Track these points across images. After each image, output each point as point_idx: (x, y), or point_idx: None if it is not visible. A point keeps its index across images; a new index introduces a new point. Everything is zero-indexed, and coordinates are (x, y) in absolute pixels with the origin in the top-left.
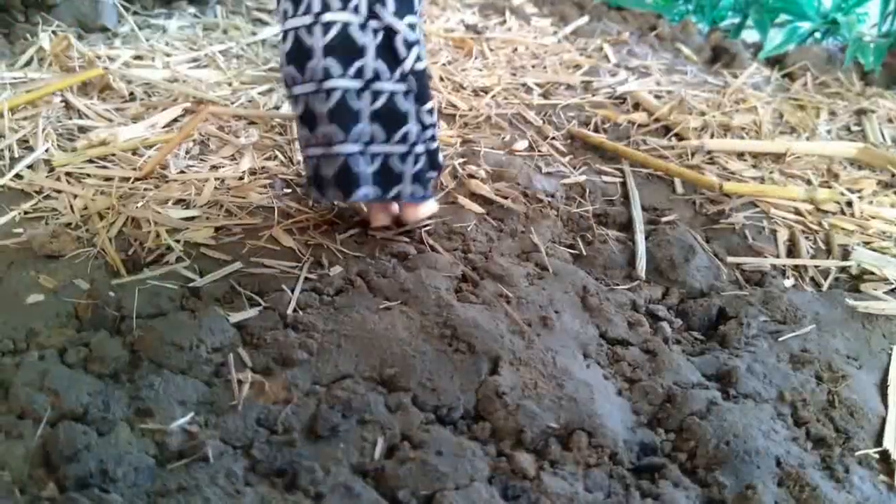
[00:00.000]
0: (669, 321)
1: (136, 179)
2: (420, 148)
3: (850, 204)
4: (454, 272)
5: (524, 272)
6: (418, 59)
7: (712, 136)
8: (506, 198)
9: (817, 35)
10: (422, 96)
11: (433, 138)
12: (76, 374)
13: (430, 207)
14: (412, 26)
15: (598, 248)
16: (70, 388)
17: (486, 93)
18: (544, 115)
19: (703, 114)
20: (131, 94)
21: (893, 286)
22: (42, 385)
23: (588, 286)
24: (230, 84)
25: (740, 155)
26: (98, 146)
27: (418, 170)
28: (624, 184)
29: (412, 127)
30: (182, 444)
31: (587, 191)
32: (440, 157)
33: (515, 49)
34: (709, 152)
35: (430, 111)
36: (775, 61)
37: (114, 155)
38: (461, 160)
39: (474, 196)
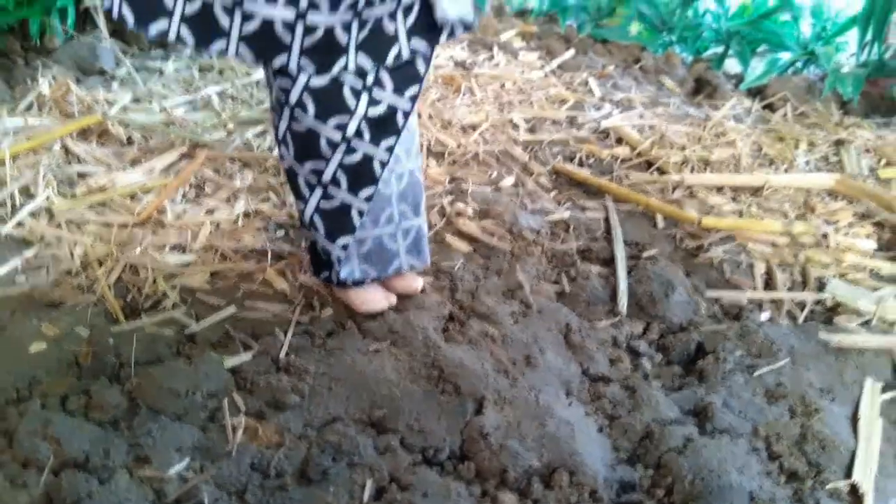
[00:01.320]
0: (650, 356)
1: (134, 225)
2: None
3: (825, 236)
4: (442, 312)
5: (509, 310)
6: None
7: (692, 170)
8: (492, 235)
9: (798, 65)
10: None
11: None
12: (77, 421)
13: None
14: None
15: (581, 284)
16: (72, 437)
17: (475, 129)
18: (530, 150)
19: (683, 148)
20: (129, 138)
21: (866, 318)
22: (45, 433)
23: (571, 323)
24: (225, 125)
25: (719, 189)
26: (97, 192)
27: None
28: (607, 219)
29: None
30: (179, 491)
31: (571, 226)
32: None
33: (503, 85)
34: (689, 187)
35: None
36: (757, 91)
37: (112, 200)
38: (450, 198)
39: (462, 234)
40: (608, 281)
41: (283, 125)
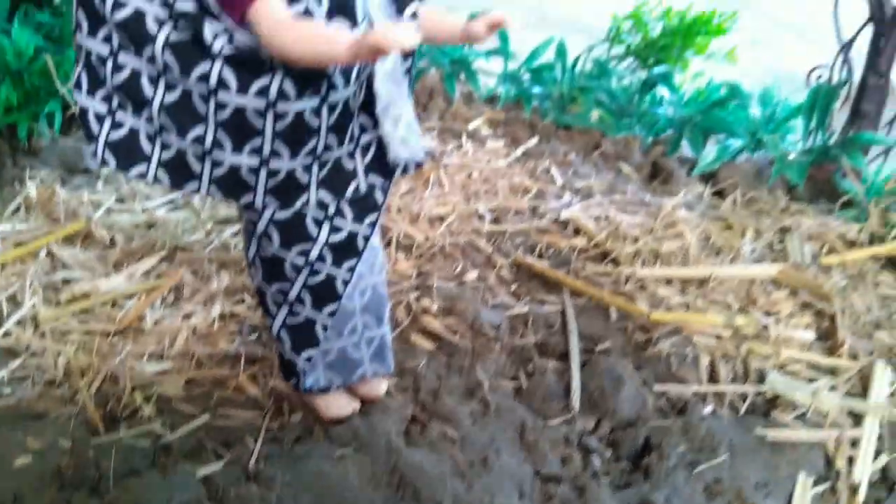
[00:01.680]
0: (600, 453)
1: (115, 333)
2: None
3: (766, 328)
4: (405, 414)
5: (469, 410)
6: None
7: (644, 262)
8: (455, 333)
9: (748, 151)
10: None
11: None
12: None
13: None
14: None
15: (537, 380)
16: None
17: (442, 220)
18: (494, 242)
19: (636, 239)
20: (112, 239)
21: (802, 411)
22: None
23: (526, 422)
24: (205, 225)
25: (668, 281)
26: (81, 299)
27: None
28: (564, 312)
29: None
30: None
31: (530, 320)
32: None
33: (470, 174)
34: (640, 279)
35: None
36: (709, 176)
37: (95, 308)
38: (416, 294)
39: (426, 332)
40: (563, 376)
41: (251, 251)
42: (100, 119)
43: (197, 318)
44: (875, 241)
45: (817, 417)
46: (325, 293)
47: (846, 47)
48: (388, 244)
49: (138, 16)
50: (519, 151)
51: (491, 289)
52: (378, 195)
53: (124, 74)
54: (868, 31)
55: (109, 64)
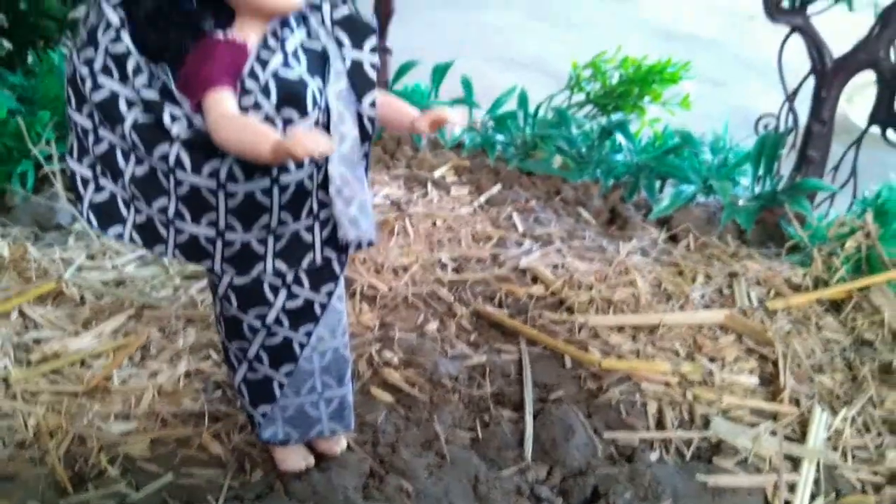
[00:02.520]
0: (550, 501)
1: (83, 394)
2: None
3: (711, 374)
4: (363, 469)
5: (425, 463)
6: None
7: (597, 309)
8: (413, 386)
9: (701, 196)
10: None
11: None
12: None
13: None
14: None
15: (492, 430)
16: None
17: (406, 270)
18: (455, 290)
19: (591, 287)
20: (82, 297)
21: (744, 456)
22: None
23: (479, 474)
24: (173, 281)
25: (620, 328)
26: (51, 359)
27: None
28: (520, 360)
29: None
30: None
31: (487, 370)
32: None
33: (434, 223)
34: (592, 327)
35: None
36: (664, 221)
37: (64, 368)
38: (378, 345)
39: (386, 385)
40: (518, 426)
41: (216, 309)
42: (85, 183)
43: (163, 376)
44: (819, 286)
45: (759, 462)
46: (283, 354)
47: (791, 97)
48: (352, 295)
49: (112, 98)
50: (482, 198)
51: (451, 339)
52: (335, 266)
53: (103, 147)
54: (811, 82)
55: (91, 137)
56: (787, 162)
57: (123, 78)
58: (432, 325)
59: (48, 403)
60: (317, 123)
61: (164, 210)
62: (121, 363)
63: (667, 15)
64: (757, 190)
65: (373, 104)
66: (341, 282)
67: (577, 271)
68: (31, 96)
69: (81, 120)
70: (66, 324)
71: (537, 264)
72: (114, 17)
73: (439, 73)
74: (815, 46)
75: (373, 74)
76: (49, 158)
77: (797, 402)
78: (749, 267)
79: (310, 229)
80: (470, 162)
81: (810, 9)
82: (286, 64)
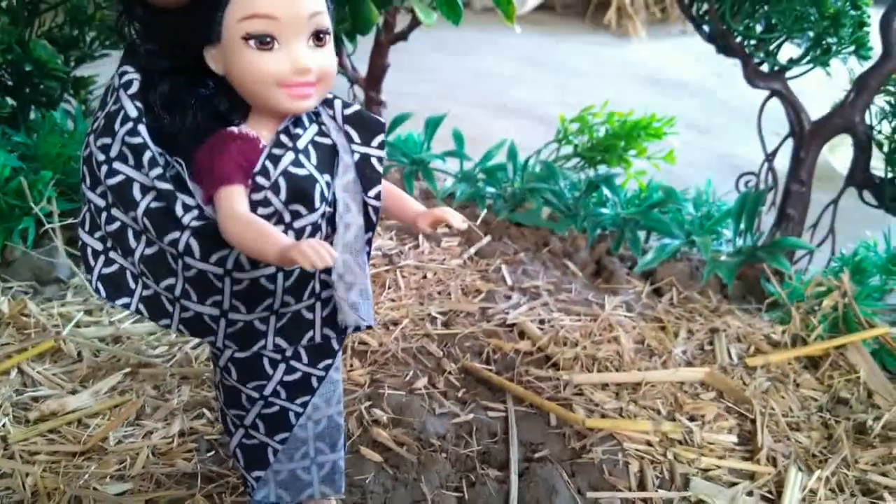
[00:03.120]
0: None
1: (80, 454)
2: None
3: (690, 433)
4: None
5: None
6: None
7: (582, 366)
8: (402, 445)
9: (684, 249)
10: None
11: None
12: None
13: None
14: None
15: (478, 490)
16: None
17: (396, 325)
18: (444, 345)
19: (576, 344)
20: (79, 353)
21: None
22: None
23: None
24: (168, 337)
25: (605, 386)
26: (49, 417)
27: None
28: (507, 419)
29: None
30: None
31: (474, 428)
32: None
33: (425, 275)
34: (577, 385)
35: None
36: (649, 273)
37: (61, 428)
38: (367, 403)
39: (375, 444)
40: (503, 485)
41: (216, 377)
42: (96, 255)
43: (157, 435)
44: (797, 343)
45: None
46: (278, 423)
47: (770, 157)
48: (343, 351)
49: (127, 184)
50: (472, 250)
51: (439, 396)
52: (334, 343)
53: (115, 226)
54: (790, 143)
55: (104, 215)
56: (768, 217)
57: (138, 166)
58: (421, 382)
59: (46, 464)
60: (323, 216)
61: (170, 289)
62: (119, 424)
63: (655, 61)
64: (739, 242)
65: (378, 196)
66: (339, 355)
67: (563, 327)
68: (34, 154)
69: (95, 199)
70: (63, 381)
71: (524, 319)
72: (132, 109)
73: (432, 125)
74: (794, 110)
75: (379, 168)
76: (50, 215)
77: (774, 462)
78: (730, 323)
79: (311, 308)
80: (461, 213)
81: (789, 73)
82: (297, 162)
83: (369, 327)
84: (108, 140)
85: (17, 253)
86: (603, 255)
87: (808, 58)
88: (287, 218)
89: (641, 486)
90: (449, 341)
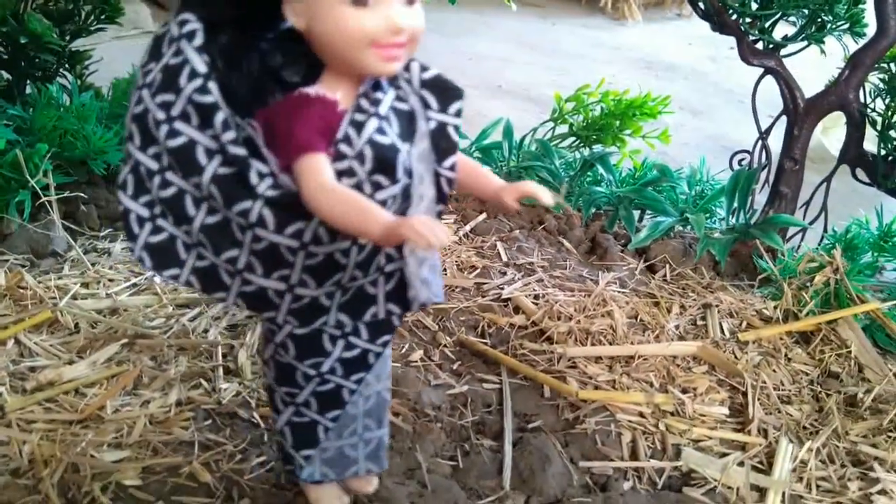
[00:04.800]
0: None
1: (77, 422)
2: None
3: (682, 404)
4: (344, 501)
5: (407, 492)
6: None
7: (576, 340)
8: (398, 415)
9: (678, 227)
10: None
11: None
12: None
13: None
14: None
15: (473, 459)
16: None
17: None
18: (440, 319)
19: (570, 318)
20: (76, 324)
21: (713, 486)
22: None
23: (459, 502)
24: (166, 309)
25: (598, 359)
26: (46, 387)
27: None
28: (501, 390)
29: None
30: None
31: (469, 399)
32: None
33: None
34: (571, 358)
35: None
36: (642, 251)
37: (59, 396)
38: None
39: None
40: (497, 455)
41: (267, 353)
42: (141, 222)
43: (154, 405)
44: (789, 318)
45: (727, 492)
46: (331, 401)
47: (764, 135)
48: None
49: (190, 146)
50: (468, 227)
51: (434, 368)
52: (394, 320)
53: (170, 192)
54: (784, 119)
55: (157, 179)
56: (761, 195)
57: (204, 127)
58: (417, 354)
59: (43, 432)
60: (404, 187)
61: (232, 261)
62: (116, 393)
63: (650, 45)
64: (732, 221)
65: (452, 167)
66: (396, 332)
67: (557, 302)
68: (30, 128)
69: (146, 160)
70: (60, 352)
71: (519, 294)
72: (200, 64)
73: None
74: (788, 87)
75: (455, 137)
76: (46, 189)
77: (765, 433)
78: (722, 299)
79: (374, 283)
80: (456, 192)
81: (783, 50)
82: (380, 129)
83: (438, 304)
84: (170, 97)
85: (14, 226)
86: (597, 233)
87: (802, 35)
88: (368, 189)
89: (633, 455)
90: (444, 315)
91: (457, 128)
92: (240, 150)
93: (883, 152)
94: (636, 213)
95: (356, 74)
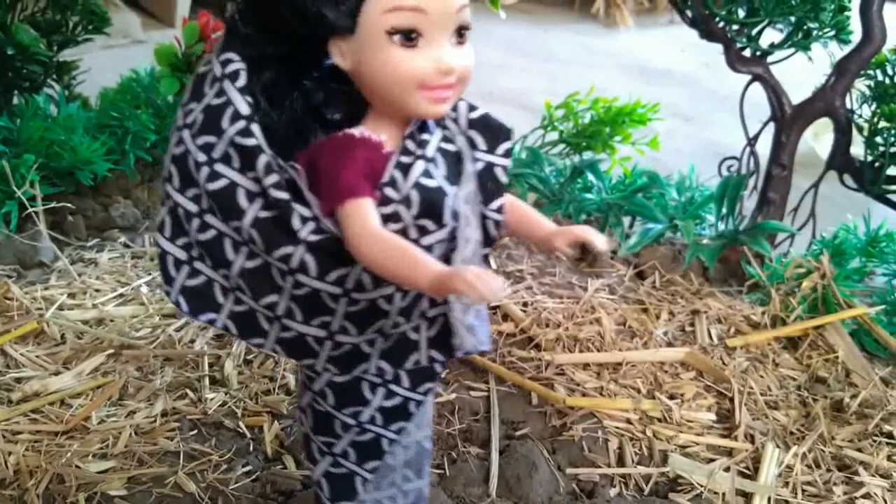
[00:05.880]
0: None
1: (62, 433)
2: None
3: (670, 410)
4: None
5: None
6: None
7: (564, 347)
8: None
9: (668, 233)
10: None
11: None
12: None
13: None
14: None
15: (460, 467)
16: None
17: None
18: None
19: (559, 325)
20: (63, 335)
21: (698, 491)
22: None
23: None
24: (152, 319)
25: (586, 366)
26: (32, 398)
27: None
28: (489, 398)
29: None
30: None
31: (457, 407)
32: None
33: None
34: (559, 365)
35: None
36: (632, 258)
37: (44, 407)
38: None
39: None
40: (484, 462)
41: (304, 400)
42: (178, 265)
43: (140, 415)
44: (777, 324)
45: (713, 497)
46: (370, 451)
47: (752, 142)
48: None
49: (231, 189)
50: None
51: None
52: (437, 367)
53: (209, 235)
54: (772, 126)
55: (196, 222)
56: (749, 201)
57: (245, 170)
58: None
59: (28, 443)
60: (451, 231)
61: (272, 307)
62: (101, 404)
63: (642, 51)
64: (721, 227)
65: (500, 209)
66: (438, 381)
67: (546, 309)
68: (16, 138)
69: (184, 202)
70: (46, 363)
71: (508, 301)
72: (244, 106)
73: None
74: (775, 94)
75: (504, 179)
76: (33, 199)
77: (752, 439)
78: (711, 305)
79: (416, 328)
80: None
81: (771, 57)
82: (427, 172)
83: (484, 352)
84: (212, 139)
85: (0, 237)
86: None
87: (789, 42)
88: (414, 234)
89: (620, 462)
90: None
91: (505, 168)
92: (283, 194)
93: (870, 158)
94: (626, 220)
95: (402, 115)
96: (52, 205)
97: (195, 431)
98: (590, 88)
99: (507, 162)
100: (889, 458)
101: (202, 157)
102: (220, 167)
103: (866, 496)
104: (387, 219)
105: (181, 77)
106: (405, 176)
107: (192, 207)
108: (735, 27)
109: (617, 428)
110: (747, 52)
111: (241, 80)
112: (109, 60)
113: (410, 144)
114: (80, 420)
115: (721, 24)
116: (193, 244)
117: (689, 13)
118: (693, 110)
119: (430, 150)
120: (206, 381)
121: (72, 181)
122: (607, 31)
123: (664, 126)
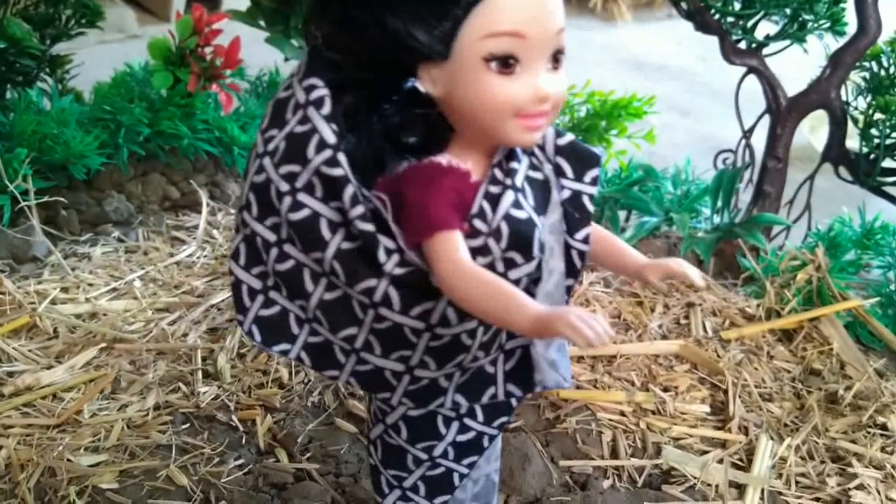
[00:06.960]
0: None
1: (54, 427)
2: None
3: (663, 403)
4: (325, 499)
5: None
6: None
7: None
8: None
9: (664, 227)
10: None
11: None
12: None
13: None
14: None
15: None
16: None
17: None
18: None
19: None
20: (55, 329)
21: (693, 483)
22: None
23: None
24: (145, 313)
25: (580, 358)
26: (24, 392)
27: None
28: None
29: None
30: None
31: None
32: None
33: None
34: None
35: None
36: None
37: (36, 401)
38: None
39: (351, 415)
40: None
41: (375, 433)
42: (252, 295)
43: (132, 409)
44: (772, 316)
45: (706, 489)
46: (441, 486)
47: (747, 135)
48: None
49: (313, 219)
50: None
51: None
52: (513, 401)
53: (287, 265)
54: (767, 119)
55: (274, 251)
56: (745, 194)
57: (328, 200)
58: None
59: (20, 436)
60: (538, 264)
61: (350, 339)
62: (93, 397)
63: (640, 45)
64: (716, 220)
65: (586, 240)
66: (513, 415)
67: None
68: (9, 132)
69: (263, 231)
70: (39, 357)
71: None
72: (330, 135)
73: None
74: (770, 86)
75: (590, 207)
76: (25, 193)
77: (745, 431)
78: (706, 298)
79: (493, 362)
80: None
81: (766, 49)
82: (517, 202)
83: (566, 388)
84: (296, 168)
85: None
86: None
87: (784, 34)
88: (501, 268)
89: (614, 454)
90: None
91: (592, 197)
92: (369, 227)
93: (865, 150)
94: (622, 214)
95: (490, 143)
96: (45, 199)
97: (188, 425)
98: (586, 82)
99: (595, 190)
100: (882, 449)
101: (285, 187)
102: (302, 196)
103: (860, 487)
104: (476, 252)
105: (175, 71)
106: (494, 207)
107: (271, 237)
108: (730, 19)
109: (610, 420)
110: (742, 45)
111: (327, 108)
112: (105, 55)
113: (499, 173)
114: (72, 414)
115: (716, 16)
116: (270, 274)
117: (684, 5)
118: (689, 104)
119: (519, 180)
120: (199, 374)
121: (65, 175)
122: (605, 25)
123: (660, 120)
